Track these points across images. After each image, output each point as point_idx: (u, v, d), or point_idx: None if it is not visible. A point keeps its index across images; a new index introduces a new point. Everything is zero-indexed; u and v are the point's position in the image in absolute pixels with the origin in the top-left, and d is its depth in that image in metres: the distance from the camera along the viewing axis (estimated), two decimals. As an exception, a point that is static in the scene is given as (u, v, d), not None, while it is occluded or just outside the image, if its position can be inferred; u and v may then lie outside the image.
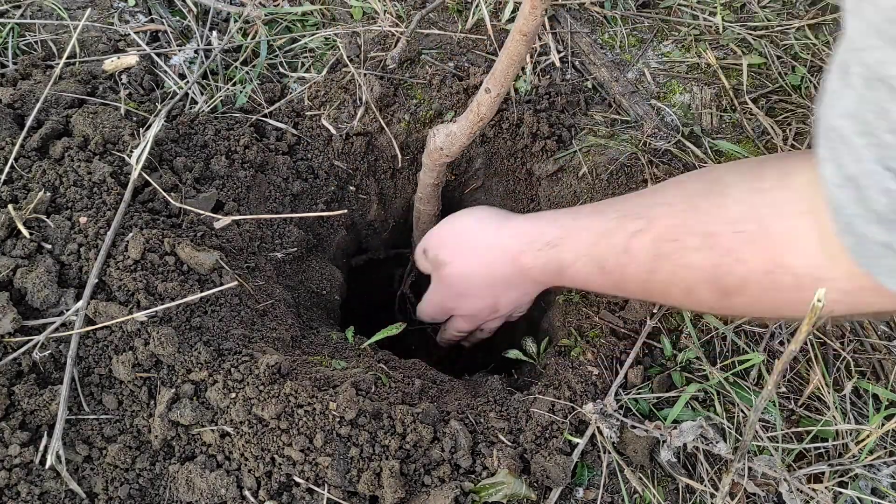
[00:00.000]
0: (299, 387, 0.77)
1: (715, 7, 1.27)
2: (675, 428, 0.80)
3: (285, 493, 0.75)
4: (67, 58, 1.07)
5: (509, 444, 0.80)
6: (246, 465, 0.75)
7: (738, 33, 1.22)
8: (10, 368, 0.77)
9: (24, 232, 0.82)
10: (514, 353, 1.00)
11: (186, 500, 0.75)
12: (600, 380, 0.87)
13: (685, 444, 0.80)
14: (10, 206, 0.83)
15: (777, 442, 0.82)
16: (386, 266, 1.36)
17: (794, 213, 0.57)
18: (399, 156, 1.14)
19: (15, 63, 1.07)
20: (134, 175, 0.89)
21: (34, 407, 0.76)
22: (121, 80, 1.07)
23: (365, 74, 1.11)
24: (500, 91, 0.83)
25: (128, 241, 0.84)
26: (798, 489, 0.78)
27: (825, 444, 0.83)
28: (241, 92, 1.10)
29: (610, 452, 0.80)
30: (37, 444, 0.76)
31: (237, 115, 1.07)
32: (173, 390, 0.77)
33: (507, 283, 0.93)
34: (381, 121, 1.11)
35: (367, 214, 1.22)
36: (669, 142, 1.07)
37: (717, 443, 0.79)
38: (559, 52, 1.20)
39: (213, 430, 0.77)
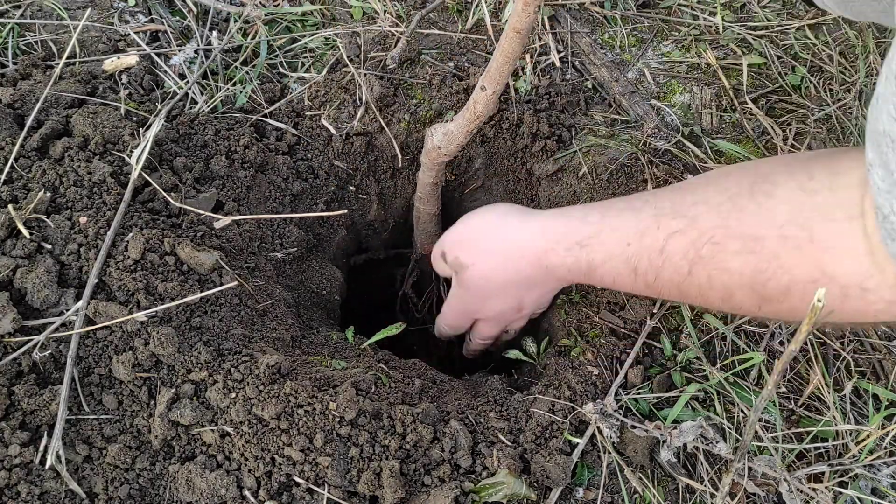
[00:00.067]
0: (299, 387, 0.77)
1: (715, 7, 1.27)
2: (675, 428, 0.80)
3: (285, 493, 0.75)
4: (67, 58, 1.07)
5: (509, 444, 0.80)
6: (246, 465, 0.75)
7: (738, 33, 1.22)
8: (10, 368, 0.77)
9: (24, 232, 0.82)
10: (514, 353, 1.00)
11: (186, 500, 0.75)
12: (600, 380, 0.87)
13: (685, 444, 0.80)
14: (10, 206, 0.83)
15: (777, 442, 0.82)
16: (386, 266, 1.36)
17: (842, 217, 0.55)
18: (399, 156, 1.14)
19: (15, 63, 1.07)
20: (134, 175, 0.89)
21: (34, 407, 0.76)
22: (121, 80, 1.07)
23: (365, 74, 1.11)
24: (495, 88, 0.83)
25: (128, 241, 0.84)
26: (798, 489, 0.78)
27: (825, 444, 0.83)
28: (241, 92, 1.10)
29: (610, 452, 0.80)
30: (37, 444, 0.76)
31: (237, 115, 1.07)
32: (173, 390, 0.77)
33: (531, 282, 0.90)
34: (381, 121, 1.11)
35: (367, 214, 1.22)
36: (669, 142, 1.07)
37: (717, 443, 0.79)
38: (559, 52, 1.20)
39: (213, 430, 0.77)
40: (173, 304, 0.81)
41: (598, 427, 0.81)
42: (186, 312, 0.83)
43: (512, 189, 1.22)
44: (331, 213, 1.12)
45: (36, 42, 1.11)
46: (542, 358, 0.99)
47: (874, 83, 0.47)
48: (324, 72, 1.13)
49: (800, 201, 0.58)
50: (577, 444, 0.80)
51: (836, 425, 0.83)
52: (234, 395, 0.77)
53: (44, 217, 0.84)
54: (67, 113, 0.96)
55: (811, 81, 1.15)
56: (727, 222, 0.63)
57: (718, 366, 0.88)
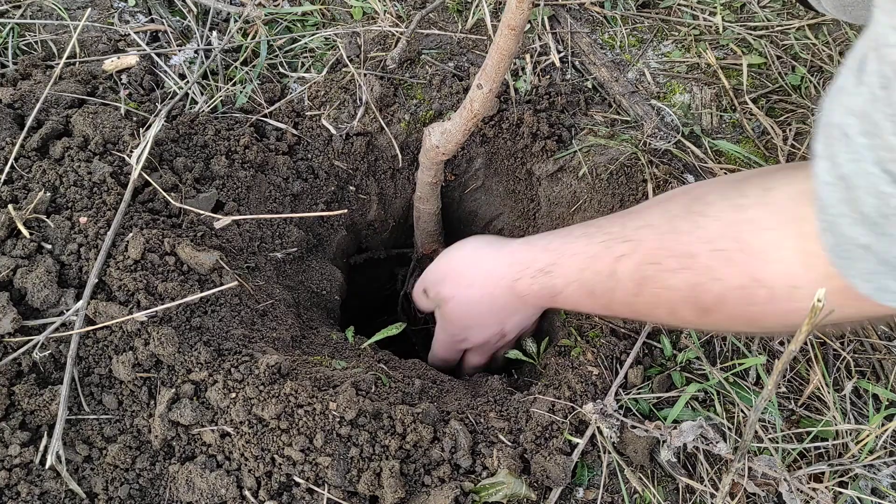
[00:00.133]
0: (299, 387, 0.77)
1: (715, 7, 1.27)
2: (675, 428, 0.80)
3: (285, 493, 0.75)
4: (67, 58, 1.07)
5: (509, 444, 0.80)
6: (246, 465, 0.75)
7: (738, 33, 1.22)
8: (10, 368, 0.77)
9: (24, 232, 0.82)
10: (514, 353, 1.00)
11: (186, 500, 0.75)
12: (600, 380, 0.87)
13: (685, 444, 0.80)
14: (10, 206, 0.83)
15: (777, 442, 0.82)
16: (386, 266, 1.36)
17: (772, 226, 0.57)
18: (399, 156, 1.14)
19: (15, 63, 1.07)
20: (134, 175, 0.89)
21: (34, 407, 0.76)
22: (121, 80, 1.07)
23: (365, 74, 1.11)
24: (491, 87, 0.83)
25: (128, 241, 0.84)
26: (798, 489, 0.78)
27: (825, 444, 0.83)
28: (241, 92, 1.10)
29: (610, 452, 0.80)
30: (37, 444, 0.76)
31: (237, 115, 1.07)
32: (173, 390, 0.77)
33: (509, 310, 0.94)
34: (381, 121, 1.11)
35: (367, 214, 1.22)
36: (669, 142, 1.07)
37: (717, 443, 0.79)
38: (559, 52, 1.20)
39: (213, 430, 0.77)
40: (173, 304, 0.81)
41: (598, 427, 0.81)
42: (186, 312, 0.83)
43: (512, 189, 1.22)
44: (331, 213, 1.12)
45: (36, 42, 1.11)
46: (542, 358, 0.99)
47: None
48: (324, 72, 1.13)
49: (732, 217, 0.61)
50: (577, 444, 0.80)
51: (836, 425, 0.83)
52: (234, 395, 0.77)
53: (44, 217, 0.84)
54: (67, 113, 0.96)
55: (811, 81, 1.15)
56: (666, 243, 0.67)
57: (718, 366, 0.88)
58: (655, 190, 1.01)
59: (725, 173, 1.04)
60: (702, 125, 1.12)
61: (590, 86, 1.18)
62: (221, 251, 0.90)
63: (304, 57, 1.17)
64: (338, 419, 0.76)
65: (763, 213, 0.58)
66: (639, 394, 0.85)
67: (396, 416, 0.78)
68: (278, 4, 1.22)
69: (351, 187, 1.16)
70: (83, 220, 0.85)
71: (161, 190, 0.90)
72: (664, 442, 0.80)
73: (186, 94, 1.07)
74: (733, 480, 0.78)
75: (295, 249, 1.04)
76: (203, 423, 0.77)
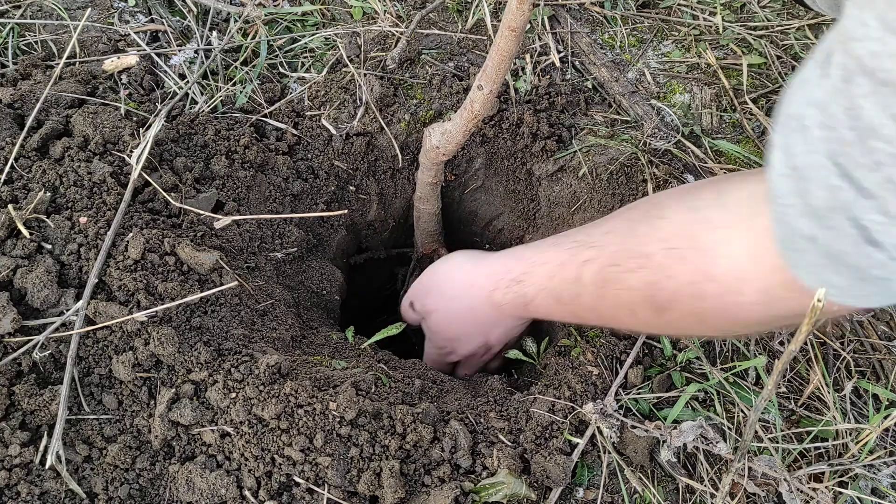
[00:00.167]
0: (299, 387, 0.77)
1: (715, 7, 1.27)
2: (675, 428, 0.80)
3: (285, 493, 0.75)
4: (67, 58, 1.07)
5: (509, 444, 0.80)
6: (246, 465, 0.75)
7: (738, 33, 1.22)
8: (10, 368, 0.77)
9: (24, 232, 0.82)
10: (514, 353, 1.00)
11: (186, 500, 0.75)
12: (600, 380, 0.87)
13: (685, 444, 0.80)
14: (10, 206, 0.83)
15: (777, 442, 0.82)
16: (386, 266, 1.36)
17: (724, 225, 0.58)
18: (399, 156, 1.14)
19: (15, 63, 1.07)
20: (134, 175, 0.89)
21: (34, 407, 0.76)
22: (121, 80, 1.07)
23: (365, 74, 1.11)
24: (492, 88, 0.83)
25: (128, 241, 0.84)
26: (798, 489, 0.78)
27: (825, 444, 0.83)
28: (241, 92, 1.10)
29: (610, 452, 0.80)
30: (37, 444, 0.76)
31: (237, 115, 1.07)
32: (173, 390, 0.77)
33: (490, 321, 0.97)
34: (381, 121, 1.11)
35: (367, 214, 1.22)
36: (669, 142, 1.07)
37: (717, 443, 0.79)
38: (559, 52, 1.20)
39: (213, 430, 0.77)
40: (173, 304, 0.81)
41: (598, 427, 0.81)
42: (186, 312, 0.83)
43: (512, 189, 1.22)
44: (331, 213, 1.12)
45: (36, 42, 1.11)
46: (542, 358, 0.99)
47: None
48: (324, 72, 1.13)
49: (686, 218, 0.62)
50: (577, 444, 0.80)
51: (836, 425, 0.83)
52: (234, 395, 0.77)
53: (44, 217, 0.84)
54: (67, 113, 0.96)
55: (811, 81, 1.15)
56: (626, 246, 0.69)
57: (718, 366, 0.88)
58: (655, 190, 1.01)
59: (725, 173, 1.05)
60: (702, 125, 1.12)
61: (590, 86, 1.18)
62: (221, 251, 0.90)
63: (304, 57, 1.17)
64: (338, 419, 0.76)
65: (716, 213, 0.59)
66: (639, 394, 0.85)
67: (396, 416, 0.78)
68: (278, 4, 1.22)
69: (351, 187, 1.16)
70: (83, 220, 0.85)
71: (161, 190, 0.90)
72: (664, 442, 0.80)
73: (186, 94, 1.07)
74: (733, 480, 0.78)
75: (295, 249, 1.04)
76: (203, 423, 0.77)
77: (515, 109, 1.13)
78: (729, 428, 0.83)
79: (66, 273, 0.82)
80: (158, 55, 1.11)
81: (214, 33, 1.16)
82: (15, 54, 1.09)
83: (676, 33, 1.25)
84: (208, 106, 1.07)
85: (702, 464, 0.81)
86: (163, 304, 0.80)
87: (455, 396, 0.89)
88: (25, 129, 0.91)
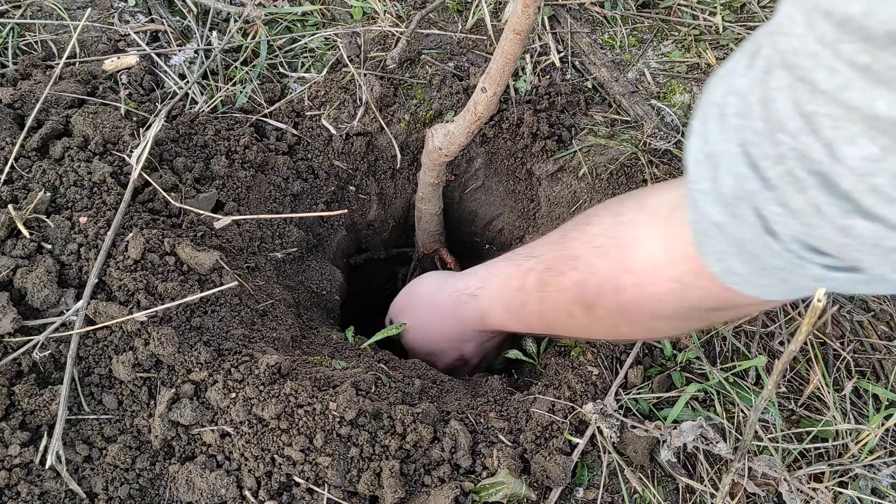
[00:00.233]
0: (299, 387, 0.77)
1: (715, 7, 1.27)
2: (675, 428, 0.80)
3: (285, 493, 0.75)
4: (67, 58, 1.07)
5: (509, 444, 0.80)
6: (246, 465, 0.75)
7: (738, 33, 1.22)
8: (10, 368, 0.77)
9: (24, 232, 0.82)
10: (514, 353, 1.00)
11: (186, 500, 0.75)
12: (600, 380, 0.87)
13: (685, 444, 0.80)
14: (10, 206, 0.83)
15: (777, 442, 0.82)
16: (386, 266, 1.36)
17: (644, 224, 0.61)
18: (399, 156, 1.14)
19: (15, 63, 1.07)
20: (134, 175, 0.89)
21: (34, 407, 0.76)
22: (121, 80, 1.07)
23: (365, 74, 1.11)
24: (496, 90, 0.84)
25: (128, 241, 0.84)
26: (798, 489, 0.78)
27: (825, 444, 0.83)
28: (241, 92, 1.10)
29: (610, 452, 0.80)
30: (37, 444, 0.76)
31: (237, 115, 1.07)
32: (173, 390, 0.77)
33: (458, 337, 1.01)
34: (381, 121, 1.11)
35: (367, 214, 1.22)
36: (669, 142, 1.07)
37: (717, 443, 0.79)
38: (559, 52, 1.20)
39: (213, 430, 0.77)
40: (173, 304, 0.81)
41: (598, 427, 0.81)
42: (186, 312, 0.83)
43: (512, 189, 1.22)
44: (331, 213, 1.12)
45: (36, 42, 1.11)
46: (542, 358, 0.99)
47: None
48: (324, 72, 1.13)
49: (611, 221, 0.67)
50: (577, 444, 0.80)
51: (836, 425, 0.83)
52: (234, 395, 0.77)
53: (44, 217, 0.84)
54: (67, 113, 0.96)
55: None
56: (559, 251, 0.74)
57: (718, 366, 0.88)
58: (655, 190, 1.01)
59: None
60: (702, 125, 1.12)
61: (590, 86, 1.18)
62: (221, 251, 0.90)
63: (304, 57, 1.17)
64: (338, 419, 0.76)
65: (637, 216, 0.63)
66: (639, 394, 0.85)
67: (396, 416, 0.78)
68: (278, 4, 1.22)
69: (351, 187, 1.16)
70: (83, 220, 0.85)
71: (161, 190, 0.90)
72: (664, 442, 0.80)
73: (186, 94, 1.07)
74: (733, 480, 0.78)
75: (295, 249, 1.04)
76: (203, 423, 0.77)
77: (515, 109, 1.13)
78: (729, 428, 0.83)
79: (66, 273, 0.82)
80: (158, 55, 1.11)
81: (214, 33, 1.16)
82: (15, 54, 1.09)
83: (676, 33, 1.25)
84: (208, 106, 1.07)
85: (702, 464, 0.81)
86: (163, 304, 0.80)
87: (455, 396, 0.89)
88: (25, 129, 0.91)
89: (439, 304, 0.98)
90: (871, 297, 0.98)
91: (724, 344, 0.91)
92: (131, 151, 0.92)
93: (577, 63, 1.21)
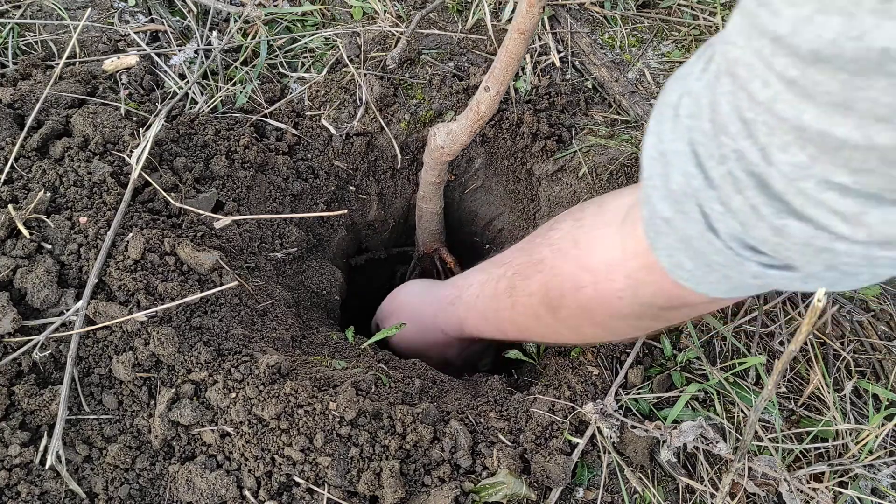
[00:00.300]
0: (299, 387, 0.77)
1: (715, 7, 1.27)
2: (675, 428, 0.80)
3: (285, 493, 0.75)
4: (67, 58, 1.07)
5: (509, 444, 0.80)
6: (246, 465, 0.75)
7: (738, 33, 1.22)
8: (10, 368, 0.77)
9: (24, 232, 0.82)
10: (514, 353, 1.00)
11: (186, 500, 0.75)
12: (600, 380, 0.87)
13: (685, 444, 0.80)
14: (10, 206, 0.83)
15: (777, 442, 0.82)
16: (386, 265, 1.36)
17: (601, 226, 0.64)
18: (399, 156, 1.14)
19: (15, 63, 1.07)
20: (134, 175, 0.89)
21: (34, 407, 0.76)
22: (121, 80, 1.07)
23: (365, 74, 1.11)
24: (499, 89, 0.84)
25: (128, 241, 0.84)
26: (798, 489, 0.78)
27: (825, 444, 0.83)
28: (241, 92, 1.10)
29: (610, 452, 0.80)
30: (37, 444, 0.76)
31: (237, 115, 1.07)
32: (173, 390, 0.77)
33: (440, 344, 1.04)
34: (381, 121, 1.11)
35: (367, 214, 1.22)
36: (669, 142, 1.07)
37: (717, 443, 0.79)
38: (559, 52, 1.20)
39: (213, 430, 0.77)
40: (173, 304, 0.81)
41: (598, 427, 0.81)
42: (186, 312, 0.83)
43: (512, 189, 1.22)
44: (331, 213, 1.12)
45: (36, 42, 1.11)
46: (542, 358, 0.99)
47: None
48: (324, 72, 1.13)
49: (572, 226, 0.70)
50: (577, 444, 0.80)
51: (836, 425, 0.83)
52: (234, 395, 0.77)
53: (44, 217, 0.84)
54: (67, 113, 0.96)
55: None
56: (526, 257, 0.77)
57: (718, 366, 0.88)
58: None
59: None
60: (702, 125, 1.12)
61: (590, 86, 1.18)
62: (221, 251, 0.90)
63: (304, 57, 1.17)
64: (338, 419, 0.76)
65: (596, 220, 0.66)
66: (639, 394, 0.85)
67: (396, 416, 0.78)
68: (278, 4, 1.22)
69: (351, 187, 1.16)
70: (83, 220, 0.85)
71: (161, 190, 0.90)
72: (664, 442, 0.80)
73: (186, 94, 1.07)
74: (733, 480, 0.78)
75: (295, 249, 1.04)
76: (203, 423, 0.77)
77: (515, 109, 1.13)
78: (729, 428, 0.83)
79: (66, 273, 0.82)
80: (158, 55, 1.11)
81: (214, 33, 1.16)
82: (15, 54, 1.09)
83: (676, 33, 1.25)
84: (208, 106, 1.07)
85: (702, 464, 0.81)
86: (163, 304, 0.80)
87: (455, 396, 0.89)
88: (25, 129, 0.91)
89: (421, 313, 1.02)
90: (871, 297, 0.98)
91: (724, 344, 0.91)
92: (131, 151, 0.92)
93: (577, 63, 1.21)
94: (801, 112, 0.34)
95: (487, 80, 0.83)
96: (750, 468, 0.79)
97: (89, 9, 1.16)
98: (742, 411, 0.84)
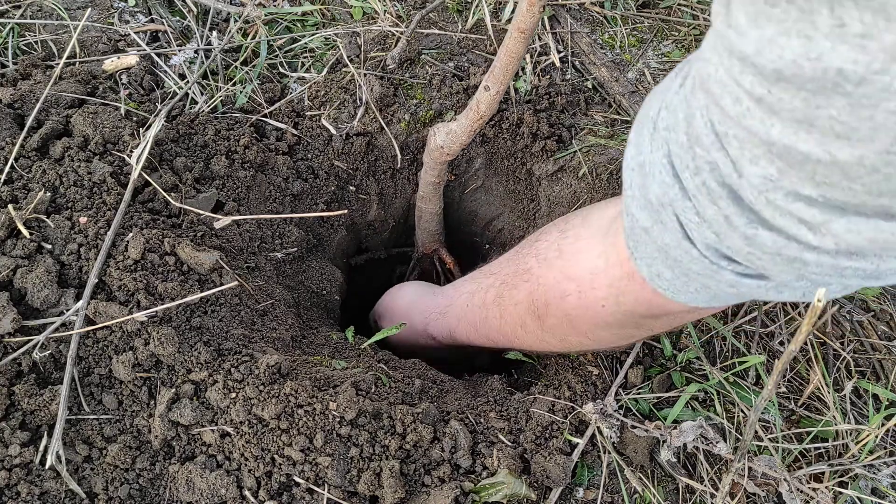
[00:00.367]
0: (299, 387, 0.77)
1: (715, 7, 1.27)
2: (675, 428, 0.80)
3: (285, 493, 0.75)
4: (67, 58, 1.07)
5: (509, 444, 0.80)
6: (246, 465, 0.75)
7: (738, 33, 1.22)
8: (10, 368, 0.77)
9: (24, 232, 0.82)
10: (514, 353, 1.00)
11: (186, 500, 0.75)
12: (600, 380, 0.87)
13: (685, 444, 0.80)
14: (10, 206, 0.83)
15: (777, 442, 0.82)
16: (386, 265, 1.36)
17: (585, 237, 0.66)
18: (399, 156, 1.14)
19: (15, 63, 1.07)
20: (134, 175, 0.89)
21: (34, 407, 0.76)
22: (121, 80, 1.07)
23: (365, 74, 1.11)
24: (499, 89, 0.84)
25: (128, 241, 0.84)
26: (798, 489, 0.78)
27: (825, 444, 0.83)
28: (241, 92, 1.10)
29: (610, 452, 0.80)
30: (37, 444, 0.76)
31: (237, 115, 1.07)
32: (173, 390, 0.77)
33: (431, 348, 1.05)
34: (381, 121, 1.11)
35: (367, 214, 1.22)
36: (669, 142, 1.07)
37: (717, 443, 0.79)
38: (559, 52, 1.20)
39: (213, 430, 0.77)
40: (173, 304, 0.81)
41: (598, 427, 0.81)
42: (186, 312, 0.83)
43: (512, 189, 1.22)
44: (331, 213, 1.12)
45: (36, 42, 1.11)
46: (542, 358, 0.99)
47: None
48: (324, 72, 1.13)
49: (557, 237, 0.71)
50: (577, 444, 0.80)
51: (836, 425, 0.83)
52: (234, 395, 0.77)
53: (44, 217, 0.84)
54: (67, 113, 0.96)
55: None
56: (513, 267, 0.79)
57: (718, 366, 0.88)
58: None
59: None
60: (702, 125, 1.12)
61: (590, 86, 1.18)
62: (221, 251, 0.90)
63: (304, 57, 1.17)
64: (338, 419, 0.76)
65: (580, 231, 0.67)
66: (639, 394, 0.85)
67: (396, 416, 0.78)
68: (278, 4, 1.22)
69: (351, 187, 1.16)
70: (83, 220, 0.85)
71: (161, 190, 0.90)
72: (664, 442, 0.80)
73: (186, 94, 1.07)
74: (733, 480, 0.78)
75: (295, 249, 1.04)
76: (203, 423, 0.77)
77: (515, 109, 1.13)
78: (729, 428, 0.83)
79: (66, 273, 0.82)
80: (158, 55, 1.11)
81: (214, 33, 1.16)
82: (15, 54, 1.09)
83: (676, 33, 1.25)
84: (208, 106, 1.07)
85: (702, 464, 0.81)
86: (163, 304, 0.80)
87: (455, 396, 0.89)
88: (25, 129, 0.91)
89: (412, 321, 1.04)
90: (871, 296, 0.98)
91: (724, 344, 0.91)
92: (131, 151, 0.92)
93: (577, 63, 1.21)
94: (770, 127, 0.36)
95: (487, 79, 0.83)
96: (750, 468, 0.79)
97: (89, 9, 1.16)
98: (742, 411, 0.84)
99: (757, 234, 0.41)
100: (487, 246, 1.33)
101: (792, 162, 0.36)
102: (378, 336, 0.96)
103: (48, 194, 0.86)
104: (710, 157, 0.41)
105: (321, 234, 1.15)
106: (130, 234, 0.84)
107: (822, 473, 0.81)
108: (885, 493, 0.81)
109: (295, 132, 1.08)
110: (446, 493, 0.73)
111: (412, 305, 1.07)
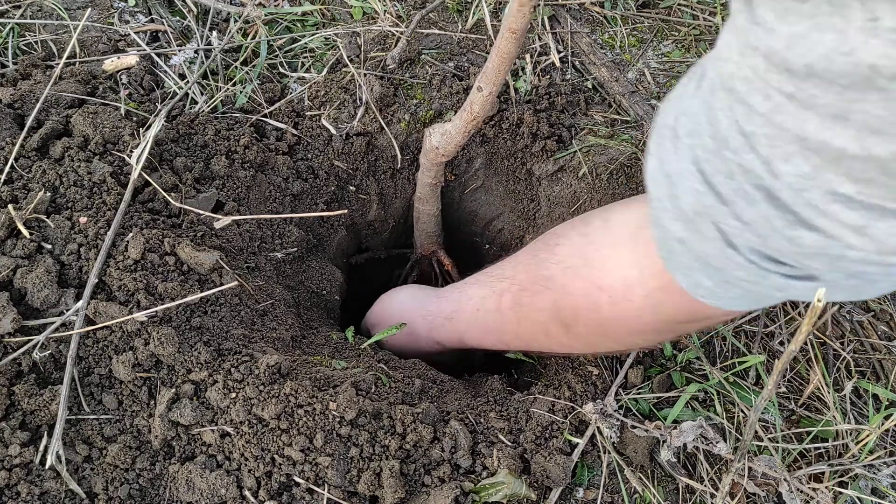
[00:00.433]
0: (299, 387, 0.77)
1: (715, 7, 1.27)
2: (675, 428, 0.80)
3: (285, 493, 0.75)
4: (67, 58, 1.07)
5: (509, 444, 0.80)
6: (246, 465, 0.75)
7: (738, 33, 1.22)
8: (10, 368, 0.77)
9: (24, 232, 0.82)
10: (514, 353, 1.00)
11: (186, 500, 0.75)
12: (600, 380, 0.87)
13: (685, 444, 0.80)
14: (10, 206, 0.83)
15: (777, 442, 0.82)
16: (386, 265, 1.36)
17: (612, 244, 0.64)
18: (399, 156, 1.14)
19: (15, 63, 1.07)
20: (134, 175, 0.89)
21: (34, 407, 0.76)
22: (121, 80, 1.07)
23: (365, 74, 1.11)
24: (492, 89, 0.84)
25: (128, 241, 0.84)
26: (798, 489, 0.78)
27: (825, 444, 0.83)
28: (241, 92, 1.10)
29: (610, 452, 0.80)
30: (37, 444, 0.76)
31: (237, 115, 1.07)
32: (173, 390, 0.77)
33: (434, 353, 1.04)
34: (381, 121, 1.11)
35: (367, 214, 1.22)
36: (669, 142, 1.07)
37: (717, 443, 0.79)
38: (559, 52, 1.20)
39: (213, 430, 0.77)
40: (173, 304, 0.81)
41: (598, 427, 0.81)
42: (186, 312, 0.83)
43: (512, 189, 1.22)
44: (331, 213, 1.12)
45: (36, 42, 1.11)
46: (542, 358, 0.99)
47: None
48: (324, 72, 1.13)
49: (578, 241, 0.69)
50: (577, 444, 0.80)
51: (836, 425, 0.83)
52: (234, 395, 0.77)
53: (44, 217, 0.84)
54: (67, 113, 0.96)
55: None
56: (531, 272, 0.77)
57: (718, 366, 0.88)
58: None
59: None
60: (702, 125, 1.12)
61: (590, 86, 1.18)
62: (221, 251, 0.90)
63: (304, 57, 1.17)
64: (338, 419, 0.76)
65: (603, 236, 0.66)
66: (639, 394, 0.85)
67: (396, 416, 0.78)
68: (278, 4, 1.22)
69: (351, 187, 1.16)
70: (83, 220, 0.85)
71: (161, 190, 0.90)
72: (664, 442, 0.80)
73: (186, 94, 1.07)
74: (733, 480, 0.78)
75: (295, 249, 1.04)
76: (203, 423, 0.77)
77: (515, 109, 1.13)
78: (729, 428, 0.83)
79: (66, 273, 0.82)
80: (158, 55, 1.11)
81: (214, 33, 1.16)
82: (15, 54, 1.09)
83: (676, 33, 1.25)
84: (208, 106, 1.07)
85: (702, 464, 0.81)
86: (163, 304, 0.80)
87: (455, 396, 0.89)
88: (25, 129, 0.91)
89: (412, 326, 1.02)
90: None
91: (724, 344, 0.91)
92: (131, 151, 0.92)
93: (577, 63, 1.21)
94: (804, 122, 0.35)
95: (480, 80, 0.83)
96: (750, 468, 0.79)
97: (89, 9, 1.16)
98: (742, 411, 0.84)
99: (799, 235, 0.40)
100: (487, 246, 1.33)
101: (827, 158, 0.35)
102: (378, 336, 0.96)
103: (48, 194, 0.86)
104: (739, 159, 0.40)
105: (321, 234, 1.15)
106: (130, 234, 0.84)
107: (822, 473, 0.81)
108: (885, 493, 0.81)
109: (295, 132, 1.08)
110: (446, 493, 0.73)
111: (410, 311, 1.05)
